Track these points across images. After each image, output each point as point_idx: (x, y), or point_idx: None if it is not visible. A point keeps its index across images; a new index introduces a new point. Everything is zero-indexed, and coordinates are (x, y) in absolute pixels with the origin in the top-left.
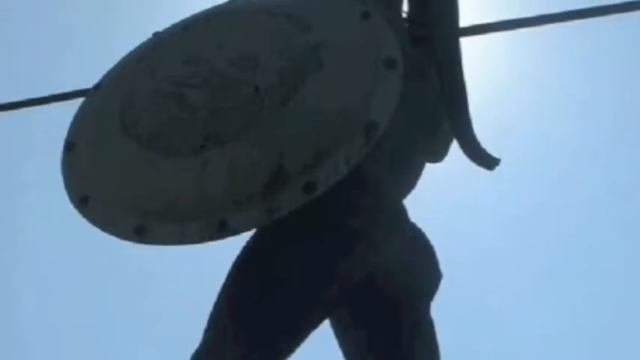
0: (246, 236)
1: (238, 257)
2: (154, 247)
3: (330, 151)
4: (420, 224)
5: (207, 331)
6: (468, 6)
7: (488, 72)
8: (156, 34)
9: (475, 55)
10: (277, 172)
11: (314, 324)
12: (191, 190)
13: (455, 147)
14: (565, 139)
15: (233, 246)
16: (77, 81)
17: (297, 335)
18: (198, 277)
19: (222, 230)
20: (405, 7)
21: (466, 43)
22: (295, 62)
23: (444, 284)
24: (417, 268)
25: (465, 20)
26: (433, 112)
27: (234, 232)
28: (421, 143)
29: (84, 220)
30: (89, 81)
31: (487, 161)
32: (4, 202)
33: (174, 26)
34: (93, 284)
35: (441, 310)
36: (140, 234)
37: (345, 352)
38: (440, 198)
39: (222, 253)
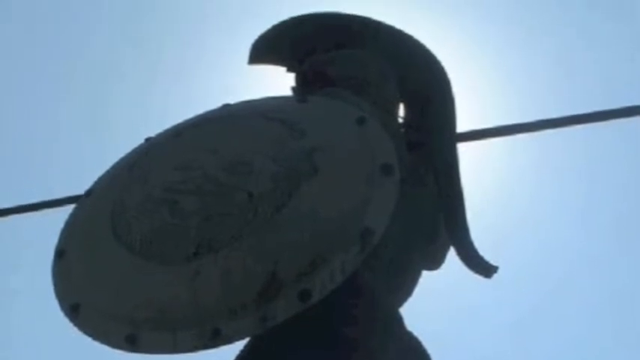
0: (239, 345)
1: None
2: (146, 355)
3: (326, 258)
4: (416, 332)
5: None
6: (466, 111)
7: (486, 178)
8: (148, 140)
9: (473, 161)
10: (271, 280)
11: None
12: (184, 299)
13: (452, 254)
14: (564, 246)
15: (226, 355)
16: (68, 187)
17: None
18: None
19: (215, 339)
20: (402, 111)
21: (464, 149)
22: (289, 168)
23: None
24: None
25: (462, 125)
26: (430, 218)
27: (228, 340)
28: (418, 250)
29: (75, 328)
30: (80, 187)
31: (485, 269)
32: None
33: (167, 131)
34: None
35: None
36: (132, 343)
37: None
38: (437, 306)
39: None
